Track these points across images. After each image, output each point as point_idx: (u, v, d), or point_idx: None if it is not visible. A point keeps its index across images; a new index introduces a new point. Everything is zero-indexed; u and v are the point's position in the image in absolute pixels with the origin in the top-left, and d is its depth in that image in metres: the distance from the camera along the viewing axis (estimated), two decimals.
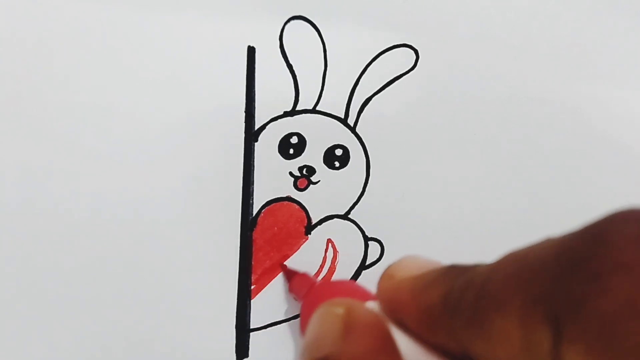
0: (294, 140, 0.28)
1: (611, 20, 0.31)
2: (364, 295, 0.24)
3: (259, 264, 0.28)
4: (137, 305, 0.27)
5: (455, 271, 0.13)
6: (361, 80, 0.29)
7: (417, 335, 0.14)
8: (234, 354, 0.28)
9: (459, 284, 0.13)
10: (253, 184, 0.28)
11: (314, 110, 0.29)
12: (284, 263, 0.29)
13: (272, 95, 0.28)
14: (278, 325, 0.29)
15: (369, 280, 0.29)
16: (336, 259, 0.29)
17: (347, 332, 0.14)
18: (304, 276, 0.28)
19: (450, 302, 0.13)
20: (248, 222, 0.28)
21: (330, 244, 0.29)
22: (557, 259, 0.11)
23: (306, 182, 0.29)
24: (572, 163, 0.31)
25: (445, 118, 0.30)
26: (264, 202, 0.28)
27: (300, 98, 0.28)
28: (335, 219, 0.29)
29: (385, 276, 0.16)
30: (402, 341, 0.14)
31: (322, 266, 0.29)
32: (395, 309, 0.15)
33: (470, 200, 0.30)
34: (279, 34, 0.28)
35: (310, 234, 0.29)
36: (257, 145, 0.28)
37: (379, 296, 0.16)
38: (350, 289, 0.26)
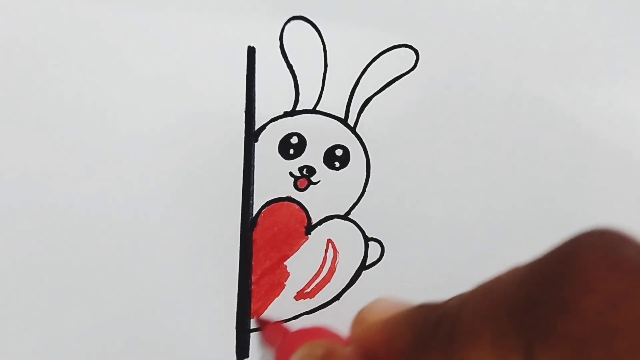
0: (294, 140, 0.28)
1: (611, 20, 0.31)
2: (339, 340, 0.24)
3: (259, 264, 0.28)
4: (137, 306, 0.27)
5: (425, 310, 0.14)
6: (361, 80, 0.29)
7: None
8: (235, 354, 0.28)
9: (431, 322, 0.13)
10: (253, 184, 0.28)
11: (314, 111, 0.29)
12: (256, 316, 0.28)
13: (272, 95, 0.28)
14: None
15: (369, 280, 0.29)
16: (336, 259, 0.29)
17: None
18: (277, 325, 0.28)
19: (423, 341, 0.13)
20: (248, 222, 0.28)
21: (330, 244, 0.29)
22: (524, 286, 0.11)
23: (306, 182, 0.29)
24: (572, 163, 0.31)
25: (446, 118, 0.30)
26: (264, 202, 0.28)
27: (300, 98, 0.28)
28: (335, 219, 0.29)
29: (357, 320, 0.16)
30: None
31: (322, 266, 0.29)
32: (369, 352, 0.15)
33: (470, 200, 0.30)
34: (279, 34, 0.28)
35: (310, 234, 0.29)
36: (257, 146, 0.28)
37: (352, 341, 0.16)
38: (324, 334, 0.26)
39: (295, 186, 0.29)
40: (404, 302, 0.15)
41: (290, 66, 0.28)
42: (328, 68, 0.29)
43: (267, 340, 0.28)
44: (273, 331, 0.27)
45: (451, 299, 0.13)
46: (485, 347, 0.11)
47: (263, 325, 0.28)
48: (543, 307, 0.10)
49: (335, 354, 0.15)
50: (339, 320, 0.29)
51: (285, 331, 0.27)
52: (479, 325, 0.11)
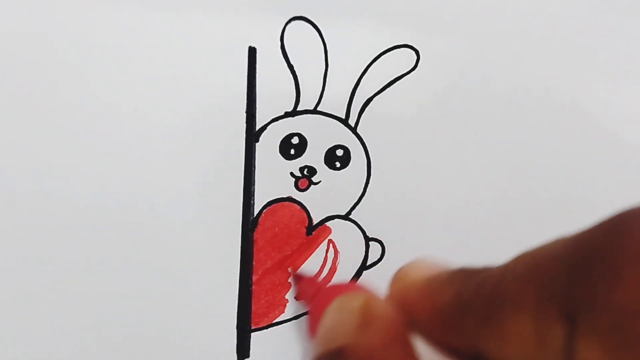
0: (295, 140, 0.28)
1: (612, 19, 0.31)
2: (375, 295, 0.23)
3: (260, 264, 0.28)
4: (138, 305, 0.27)
5: (466, 273, 0.14)
6: (362, 80, 0.29)
7: (428, 335, 0.14)
8: (235, 354, 0.28)
9: (471, 285, 0.13)
10: (254, 185, 0.28)
11: (315, 111, 0.29)
12: (291, 269, 0.28)
13: (273, 95, 0.28)
14: (279, 326, 0.29)
15: (370, 280, 0.29)
16: (337, 259, 0.29)
17: (365, 324, 0.14)
18: (311, 280, 0.28)
19: (463, 303, 0.13)
20: (249, 222, 0.28)
21: (331, 244, 0.29)
22: (570, 254, 0.11)
23: (307, 183, 0.29)
24: (573, 163, 0.31)
25: (446, 118, 0.30)
26: (265, 203, 0.28)
27: (301, 98, 0.28)
28: (336, 219, 0.29)
29: (396, 278, 0.16)
30: (415, 339, 0.14)
31: (323, 266, 0.29)
32: (407, 309, 0.15)
33: (471, 200, 0.30)
34: (280, 34, 0.28)
35: (311, 234, 0.29)
36: (258, 146, 0.28)
37: (390, 297, 0.16)
38: (360, 288, 0.26)
39: (296, 186, 0.29)
40: (445, 263, 0.15)
41: (291, 66, 0.28)
42: (329, 68, 0.29)
43: (300, 295, 0.27)
44: (306, 285, 0.27)
45: (491, 266, 0.13)
46: (526, 314, 0.11)
47: (297, 279, 0.28)
48: (590, 276, 0.10)
49: (374, 306, 0.15)
50: None
51: (319, 285, 0.27)
52: (521, 291, 0.11)
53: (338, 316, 0.15)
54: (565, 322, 0.10)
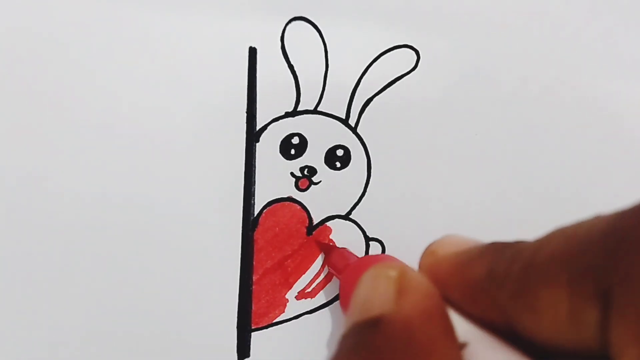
0: (295, 140, 0.29)
1: (612, 19, 0.31)
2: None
3: (260, 264, 0.28)
4: (138, 305, 0.27)
5: (498, 247, 0.14)
6: (362, 80, 0.29)
7: (460, 309, 0.14)
8: (235, 354, 0.28)
9: (505, 258, 0.13)
10: (254, 185, 0.28)
11: (315, 111, 0.29)
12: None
13: (274, 95, 0.28)
14: (280, 325, 0.29)
15: None
16: None
17: (401, 293, 0.14)
18: (342, 251, 0.28)
19: (496, 275, 0.13)
20: (249, 222, 0.28)
21: (331, 244, 0.29)
22: (607, 233, 0.11)
23: (307, 183, 0.29)
24: (574, 162, 0.31)
25: (446, 118, 0.30)
26: (265, 203, 0.28)
27: (301, 98, 0.28)
28: (336, 219, 0.29)
29: (427, 253, 0.15)
30: (449, 312, 0.14)
31: (323, 266, 0.29)
32: (439, 283, 0.14)
33: (471, 200, 0.30)
34: (280, 34, 0.28)
35: (311, 234, 0.29)
36: (259, 146, 0.28)
37: (421, 272, 0.15)
38: (392, 259, 0.26)
39: (297, 186, 0.29)
40: (473, 239, 0.15)
41: (291, 67, 0.28)
42: (329, 68, 0.29)
43: (331, 265, 0.28)
44: (337, 257, 0.27)
45: (524, 240, 0.13)
46: (560, 290, 0.11)
47: (327, 250, 0.28)
48: (626, 255, 0.10)
49: (411, 276, 0.14)
50: (340, 320, 0.29)
51: (351, 256, 0.27)
52: (556, 267, 0.11)
53: (374, 285, 0.14)
54: (600, 298, 0.11)
